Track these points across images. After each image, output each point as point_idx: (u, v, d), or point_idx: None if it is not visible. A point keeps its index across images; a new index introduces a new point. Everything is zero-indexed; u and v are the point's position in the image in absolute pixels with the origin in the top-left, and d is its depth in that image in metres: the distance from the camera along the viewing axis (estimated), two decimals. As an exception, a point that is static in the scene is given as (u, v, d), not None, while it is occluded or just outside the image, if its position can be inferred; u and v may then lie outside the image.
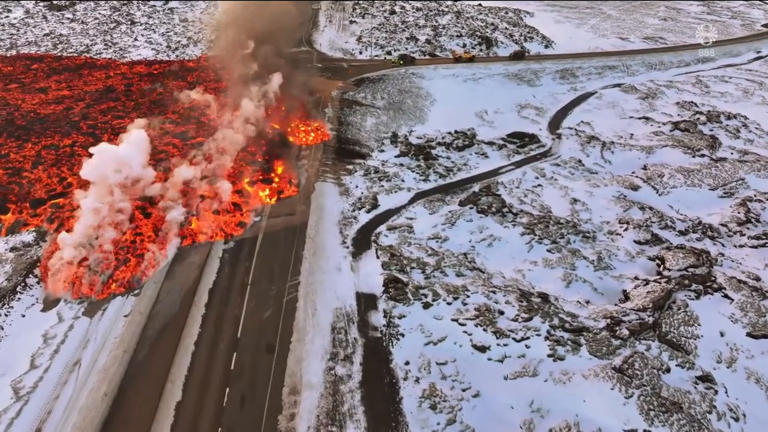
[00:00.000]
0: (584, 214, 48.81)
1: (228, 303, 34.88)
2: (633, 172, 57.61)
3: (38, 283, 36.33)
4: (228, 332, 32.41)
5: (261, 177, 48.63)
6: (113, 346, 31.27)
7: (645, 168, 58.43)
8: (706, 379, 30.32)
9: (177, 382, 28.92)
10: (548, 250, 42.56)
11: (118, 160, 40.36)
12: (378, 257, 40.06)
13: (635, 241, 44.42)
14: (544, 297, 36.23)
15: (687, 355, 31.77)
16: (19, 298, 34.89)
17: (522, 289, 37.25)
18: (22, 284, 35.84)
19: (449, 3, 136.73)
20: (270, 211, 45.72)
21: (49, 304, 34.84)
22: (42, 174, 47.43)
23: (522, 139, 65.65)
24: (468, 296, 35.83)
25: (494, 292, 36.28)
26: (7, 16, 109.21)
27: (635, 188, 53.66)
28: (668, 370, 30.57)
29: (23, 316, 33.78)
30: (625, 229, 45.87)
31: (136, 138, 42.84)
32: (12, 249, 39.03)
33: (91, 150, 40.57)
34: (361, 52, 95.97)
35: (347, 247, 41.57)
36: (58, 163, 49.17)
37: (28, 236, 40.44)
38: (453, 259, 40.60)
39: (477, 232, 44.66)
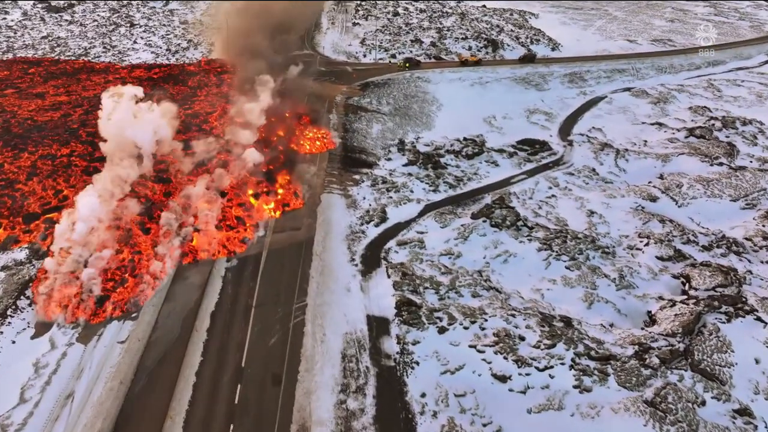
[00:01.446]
0: (602, 227, 46.78)
1: (231, 328, 32.84)
2: (650, 182, 55.59)
3: (30, 305, 34.27)
4: (231, 361, 30.36)
5: (265, 189, 46.53)
6: (109, 376, 29.21)
7: (662, 177, 56.43)
8: (744, 412, 28.30)
9: (177, 419, 26.86)
10: (567, 267, 40.53)
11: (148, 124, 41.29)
12: (389, 276, 38.04)
13: (657, 257, 42.39)
14: (567, 321, 34.18)
15: (722, 386, 29.77)
16: (9, 323, 32.83)
17: (542, 312, 35.20)
18: (13, 307, 33.80)
19: (453, 4, 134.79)
20: (274, 226, 43.68)
21: (41, 328, 32.75)
22: (36, 186, 45.35)
23: (533, 146, 63.66)
24: (486, 320, 33.81)
25: (513, 316, 34.24)
26: (4, 18, 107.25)
27: (653, 199, 51.62)
28: (703, 403, 28.55)
29: (13, 342, 31.72)
30: (646, 244, 43.84)
31: (165, 108, 43.30)
32: (3, 268, 36.99)
33: (102, 116, 40.73)
34: (365, 55, 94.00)
35: (356, 265, 39.54)
36: (54, 174, 47.04)
37: (20, 254, 38.39)
38: (468, 277, 38.56)
39: (491, 247, 42.63)
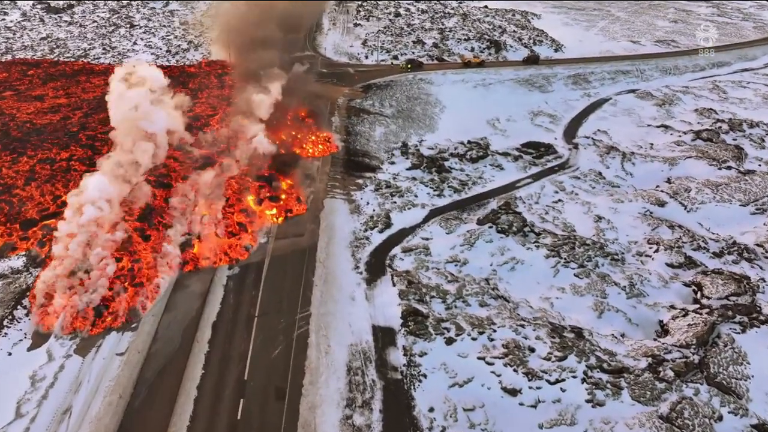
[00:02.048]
0: (610, 233, 45.94)
1: (233, 339, 32.01)
2: (657, 186, 54.75)
3: (27, 315, 33.41)
4: (233, 374, 29.52)
5: (268, 194, 45.67)
6: (107, 390, 28.35)
7: (669, 181, 55.59)
8: (762, 428, 27.48)
9: (178, 435, 26.07)
10: (576, 275, 39.70)
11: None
12: (394, 284, 37.19)
13: (667, 264, 41.55)
14: (578, 332, 33.33)
15: (739, 400, 28.94)
16: (5, 334, 32.00)
17: (552, 322, 34.36)
18: (10, 317, 32.95)
19: (455, 5, 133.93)
20: (277, 232, 42.85)
21: (38, 340, 31.88)
22: (35, 191, 44.52)
23: (537, 149, 62.80)
24: (494, 330, 32.97)
25: (522, 326, 33.40)
26: (3, 19, 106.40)
27: (661, 204, 50.76)
28: (720, 418, 27.73)
29: (10, 354, 30.84)
30: (656, 251, 43.00)
31: (179, 99, 43.15)
32: (-1, 276, 36.18)
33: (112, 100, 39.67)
34: (366, 57, 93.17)
35: (360, 273, 38.69)
36: (53, 179, 46.19)
37: (17, 261, 37.54)
38: (475, 286, 37.71)
39: (498, 254, 41.79)
